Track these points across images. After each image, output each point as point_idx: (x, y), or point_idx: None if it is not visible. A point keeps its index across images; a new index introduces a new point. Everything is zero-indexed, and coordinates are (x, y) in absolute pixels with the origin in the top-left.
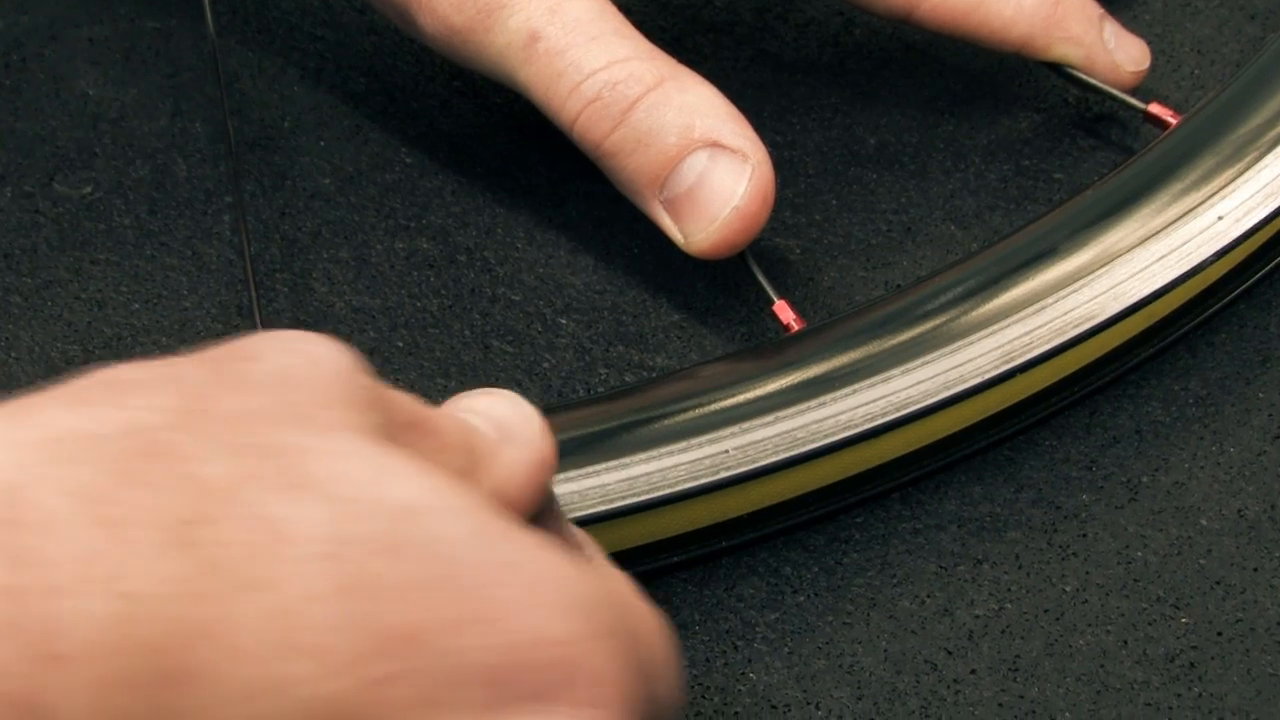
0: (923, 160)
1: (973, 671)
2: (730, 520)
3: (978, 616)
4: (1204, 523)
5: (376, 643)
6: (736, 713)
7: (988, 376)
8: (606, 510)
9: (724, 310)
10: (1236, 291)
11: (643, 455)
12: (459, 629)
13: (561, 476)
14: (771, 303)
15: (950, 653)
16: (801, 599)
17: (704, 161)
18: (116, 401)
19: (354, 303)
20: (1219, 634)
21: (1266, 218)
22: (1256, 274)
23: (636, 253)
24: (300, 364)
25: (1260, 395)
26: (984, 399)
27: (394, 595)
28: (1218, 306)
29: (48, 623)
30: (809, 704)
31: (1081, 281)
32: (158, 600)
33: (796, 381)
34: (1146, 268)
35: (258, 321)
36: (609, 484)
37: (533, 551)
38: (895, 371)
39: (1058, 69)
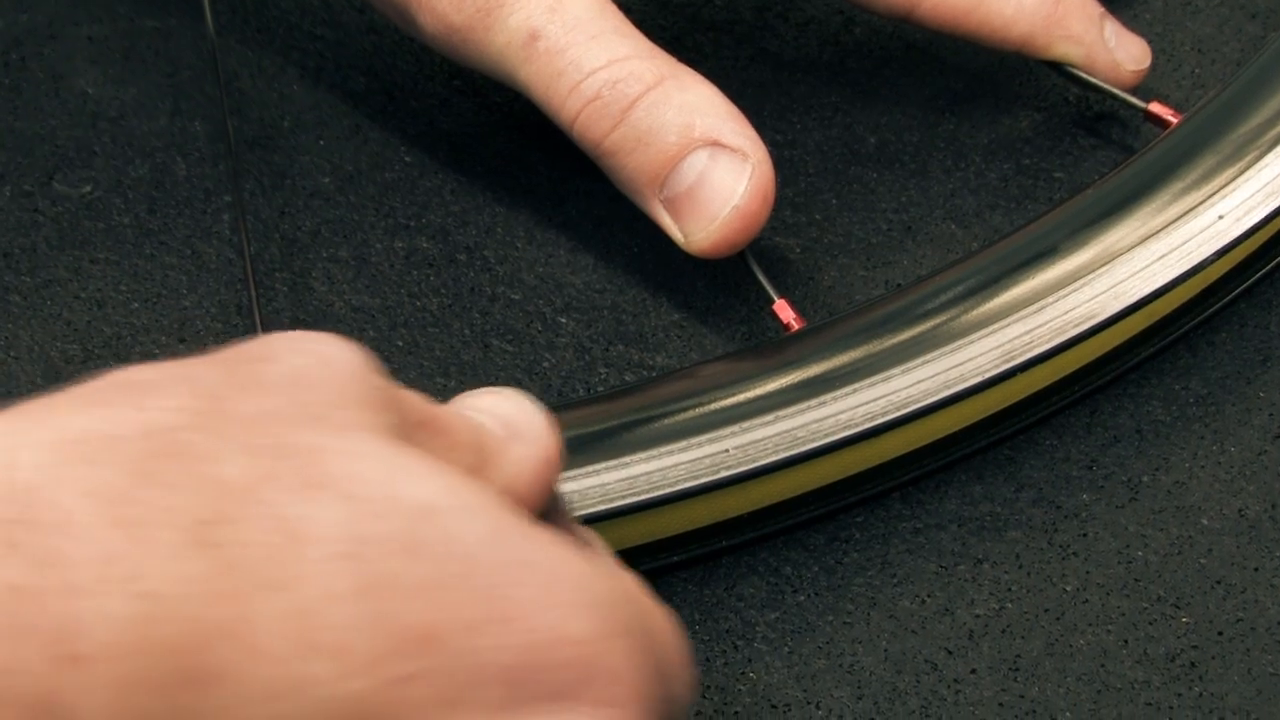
0: (923, 159)
1: (973, 671)
2: (730, 520)
3: (978, 616)
4: (1205, 522)
5: (395, 642)
6: (736, 712)
7: (988, 376)
8: (606, 510)
9: (724, 309)
10: (1237, 291)
11: (643, 454)
12: (477, 628)
13: (562, 476)
14: (772, 302)
15: (951, 652)
16: (802, 598)
17: (704, 160)
18: (133, 403)
19: (353, 302)
20: (1220, 634)
21: (1267, 217)
22: (1257, 273)
23: (636, 252)
24: (313, 364)
25: (1261, 394)
26: (984, 398)
27: (412, 595)
28: (1218, 306)
29: (67, 623)
30: (809, 703)
31: (1082, 280)
32: (177, 600)
33: (797, 381)
34: (1147, 267)
35: (257, 321)
36: (609, 483)
37: (549, 550)
38: (895, 371)
39: (1058, 68)
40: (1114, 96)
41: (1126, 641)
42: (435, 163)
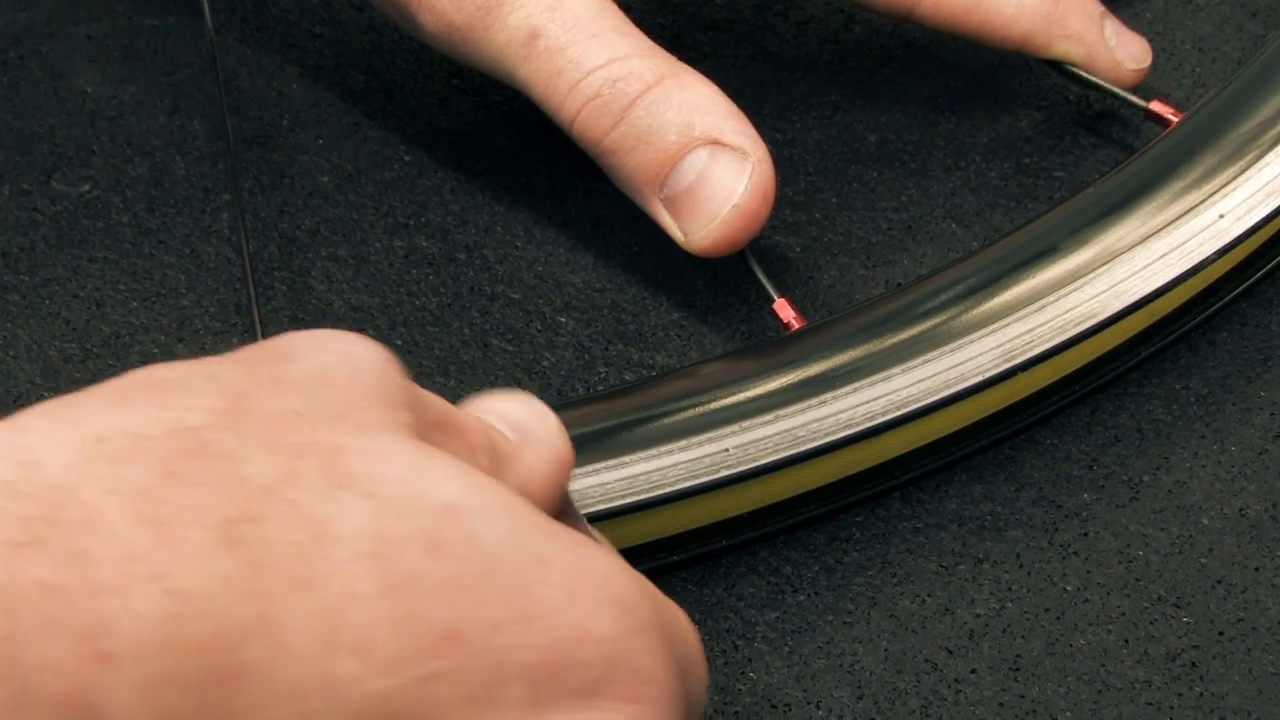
0: (923, 158)
1: (973, 671)
2: (730, 519)
3: (978, 616)
4: (1205, 522)
5: (421, 641)
6: (737, 712)
7: (988, 375)
8: (606, 509)
9: (724, 308)
10: (1238, 290)
11: (642, 454)
12: (502, 627)
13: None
14: (772, 301)
15: (951, 652)
16: (802, 598)
17: (704, 159)
18: (158, 402)
19: (353, 301)
20: (1220, 633)
21: (1268, 216)
22: (1258, 272)
23: (636, 251)
24: (337, 363)
25: (1262, 394)
26: (985, 398)
27: (437, 594)
28: (1219, 305)
29: (95, 621)
30: (809, 703)
31: (1082, 280)
32: (205, 598)
33: (797, 380)
34: (1147, 266)
35: (256, 320)
36: (609, 483)
37: (571, 549)
38: (896, 370)
39: (1059, 67)
40: (1114, 95)
41: (1127, 641)
42: (435, 161)
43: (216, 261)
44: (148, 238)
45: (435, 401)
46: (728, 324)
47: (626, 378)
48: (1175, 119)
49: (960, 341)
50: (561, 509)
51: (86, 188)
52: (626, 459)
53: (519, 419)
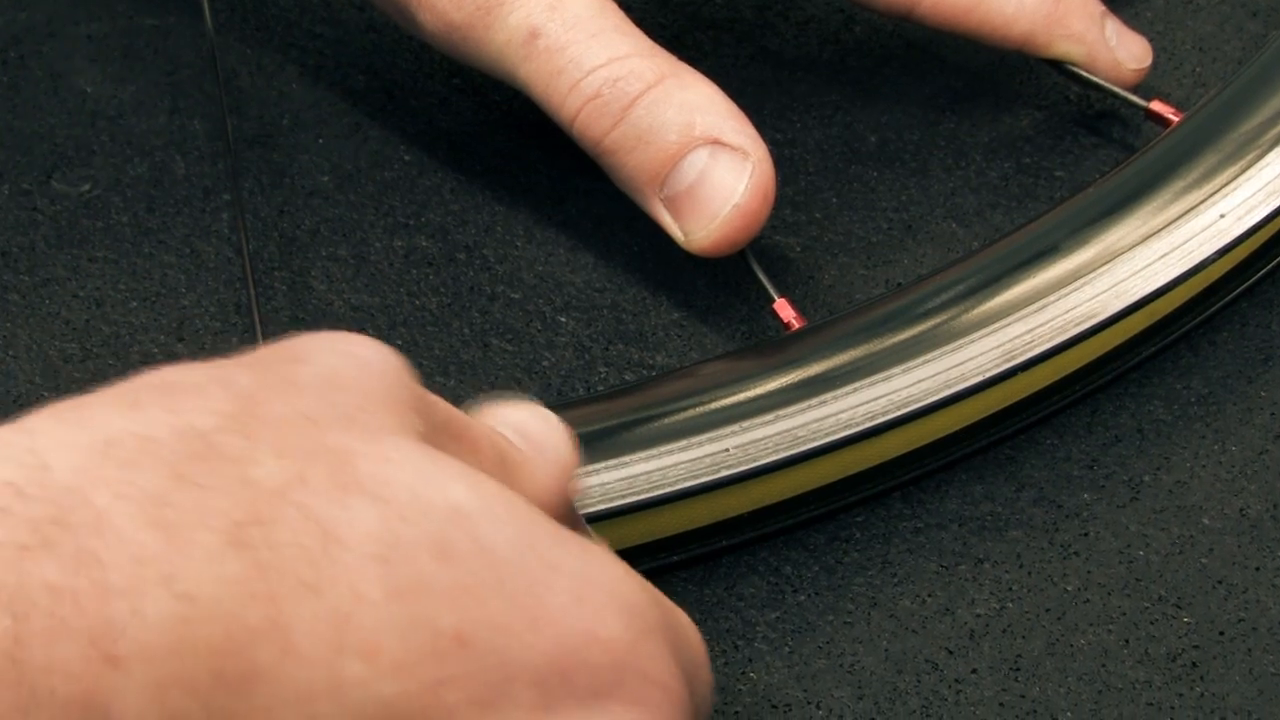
0: (924, 158)
1: (974, 671)
2: (731, 519)
3: (979, 616)
4: (1206, 522)
5: (428, 645)
6: (737, 712)
7: (989, 375)
8: (606, 509)
9: (724, 308)
10: (1238, 290)
11: (643, 454)
12: (509, 631)
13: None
14: (772, 301)
15: (951, 652)
16: (802, 598)
17: (704, 159)
18: (168, 405)
19: (353, 301)
20: (1221, 633)
21: (1268, 216)
22: (1258, 272)
23: (636, 251)
24: (348, 366)
25: (1262, 394)
26: (985, 397)
27: (444, 598)
28: (1220, 305)
29: (105, 624)
30: (810, 703)
31: (1083, 279)
32: (214, 601)
33: (797, 380)
34: (1148, 266)
35: (256, 319)
36: (609, 482)
37: (578, 554)
38: (896, 370)
39: (1059, 66)
40: (1115, 95)
41: (1128, 641)
42: (435, 161)
43: (216, 261)
44: (148, 237)
45: (445, 408)
46: (728, 324)
47: (627, 378)
48: (1176, 119)
49: (961, 341)
50: (568, 518)
51: (86, 187)
52: (627, 459)
53: (529, 428)
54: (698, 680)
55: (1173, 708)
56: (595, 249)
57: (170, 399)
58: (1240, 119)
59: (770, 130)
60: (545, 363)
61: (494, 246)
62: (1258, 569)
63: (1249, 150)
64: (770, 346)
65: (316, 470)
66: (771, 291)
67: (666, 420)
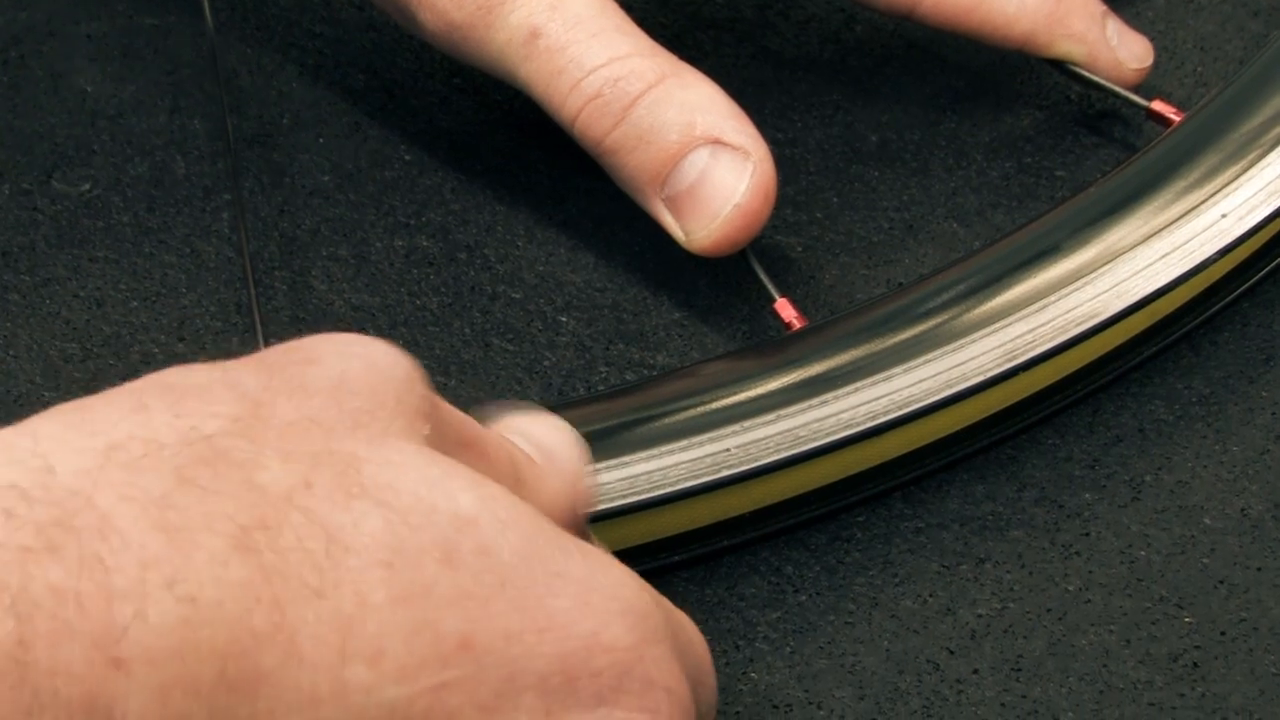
0: (925, 157)
1: (975, 671)
2: (732, 519)
3: (980, 616)
4: (1207, 522)
5: (433, 651)
6: (738, 712)
7: (990, 375)
8: (607, 509)
9: (725, 308)
10: (1240, 289)
11: (644, 454)
12: (514, 637)
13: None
14: (773, 300)
15: (953, 652)
16: (803, 598)
17: (705, 159)
18: (174, 408)
19: (353, 300)
20: (1222, 633)
21: (1270, 215)
22: (1260, 272)
23: (637, 250)
24: (358, 368)
25: (1264, 394)
26: (986, 397)
27: (449, 604)
28: (1221, 305)
29: (109, 627)
30: (811, 704)
31: (1084, 279)
32: (219, 605)
33: (798, 380)
34: (1149, 265)
35: (256, 319)
36: (610, 482)
37: (583, 560)
38: (897, 370)
39: (1060, 66)
40: (1116, 95)
41: (1129, 641)
42: (435, 161)
43: (217, 261)
44: (148, 237)
45: (457, 416)
46: (729, 324)
47: (628, 377)
48: (1177, 118)
49: (962, 341)
50: (576, 530)
51: (87, 187)
52: (628, 459)
53: (543, 439)
54: (702, 684)
55: (1174, 708)
56: (596, 249)
57: (175, 401)
58: (1242, 119)
59: (771, 130)
60: (546, 362)
61: (495, 246)
62: (1259, 569)
63: (1250, 150)
64: (771, 346)
65: (322, 475)
66: (772, 291)
67: (667, 420)
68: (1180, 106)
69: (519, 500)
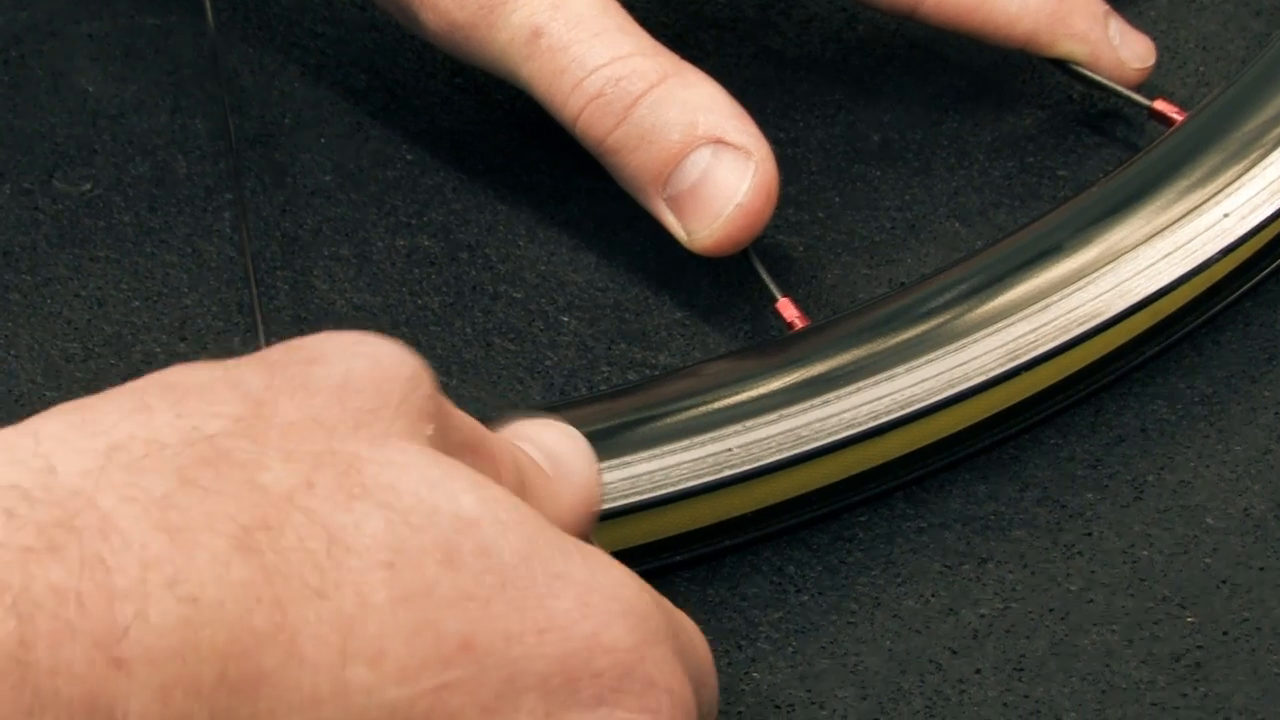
0: (927, 157)
1: (977, 671)
2: (733, 519)
3: (982, 616)
4: (1210, 521)
5: (434, 652)
6: (740, 712)
7: (992, 375)
8: (609, 509)
9: (727, 308)
10: (1242, 289)
11: (645, 453)
12: (515, 638)
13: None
14: (775, 300)
15: (955, 652)
16: (805, 598)
17: (707, 158)
18: (177, 408)
19: (355, 300)
20: (1225, 633)
21: (1272, 215)
22: (1263, 271)
23: (639, 250)
24: (363, 368)
25: (1266, 393)
26: (988, 397)
27: (450, 605)
28: (1223, 304)
29: (111, 627)
30: (813, 704)
31: (1086, 279)
32: (220, 605)
33: (800, 379)
34: (1152, 265)
35: (258, 319)
36: (611, 482)
37: (584, 562)
38: (899, 369)
39: (1062, 65)
40: (1118, 94)
41: (1131, 641)
42: (437, 160)
43: (219, 261)
44: (149, 237)
45: (465, 419)
46: (731, 323)
47: (629, 377)
48: (1179, 118)
49: (964, 341)
50: (582, 538)
51: (88, 187)
52: (629, 458)
53: (554, 448)
54: (703, 685)
55: (1176, 708)
56: (598, 248)
57: (178, 401)
58: (1244, 118)
59: (773, 129)
60: (548, 362)
61: (496, 246)
62: (1262, 569)
63: (1253, 149)
64: (773, 346)
65: (324, 475)
66: (774, 291)
67: (669, 420)
68: (1182, 106)
69: (520, 502)
